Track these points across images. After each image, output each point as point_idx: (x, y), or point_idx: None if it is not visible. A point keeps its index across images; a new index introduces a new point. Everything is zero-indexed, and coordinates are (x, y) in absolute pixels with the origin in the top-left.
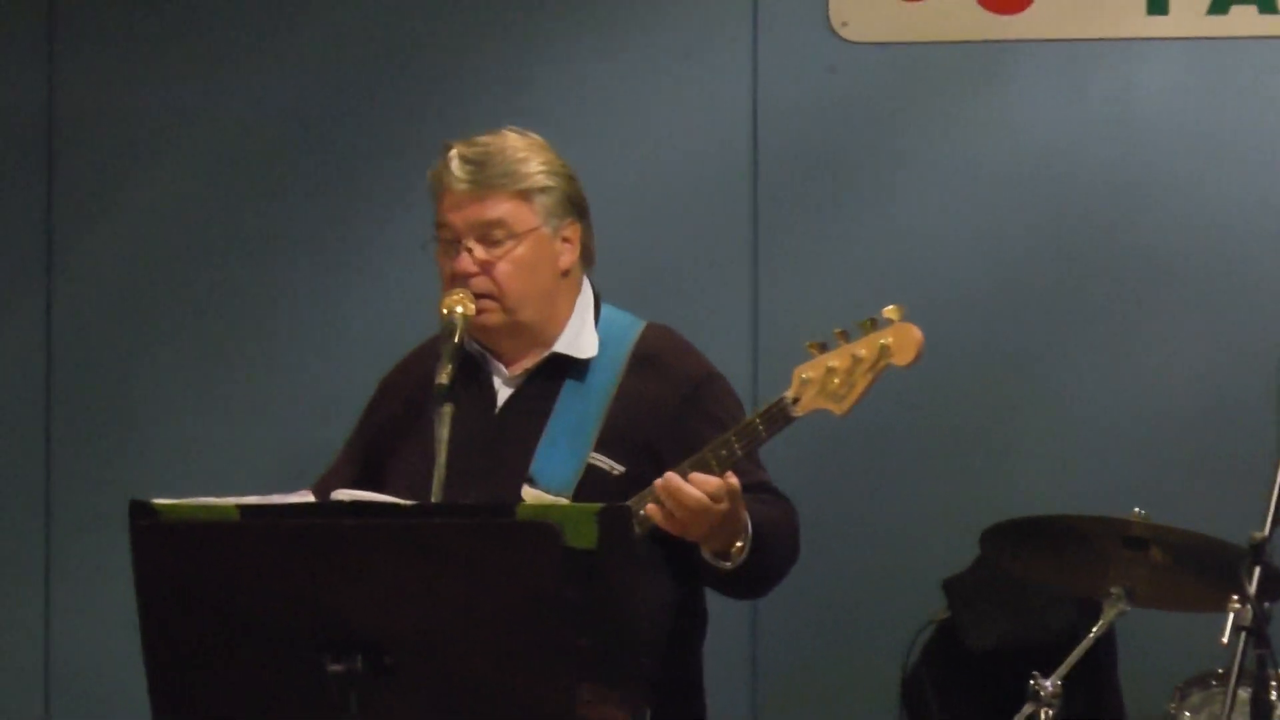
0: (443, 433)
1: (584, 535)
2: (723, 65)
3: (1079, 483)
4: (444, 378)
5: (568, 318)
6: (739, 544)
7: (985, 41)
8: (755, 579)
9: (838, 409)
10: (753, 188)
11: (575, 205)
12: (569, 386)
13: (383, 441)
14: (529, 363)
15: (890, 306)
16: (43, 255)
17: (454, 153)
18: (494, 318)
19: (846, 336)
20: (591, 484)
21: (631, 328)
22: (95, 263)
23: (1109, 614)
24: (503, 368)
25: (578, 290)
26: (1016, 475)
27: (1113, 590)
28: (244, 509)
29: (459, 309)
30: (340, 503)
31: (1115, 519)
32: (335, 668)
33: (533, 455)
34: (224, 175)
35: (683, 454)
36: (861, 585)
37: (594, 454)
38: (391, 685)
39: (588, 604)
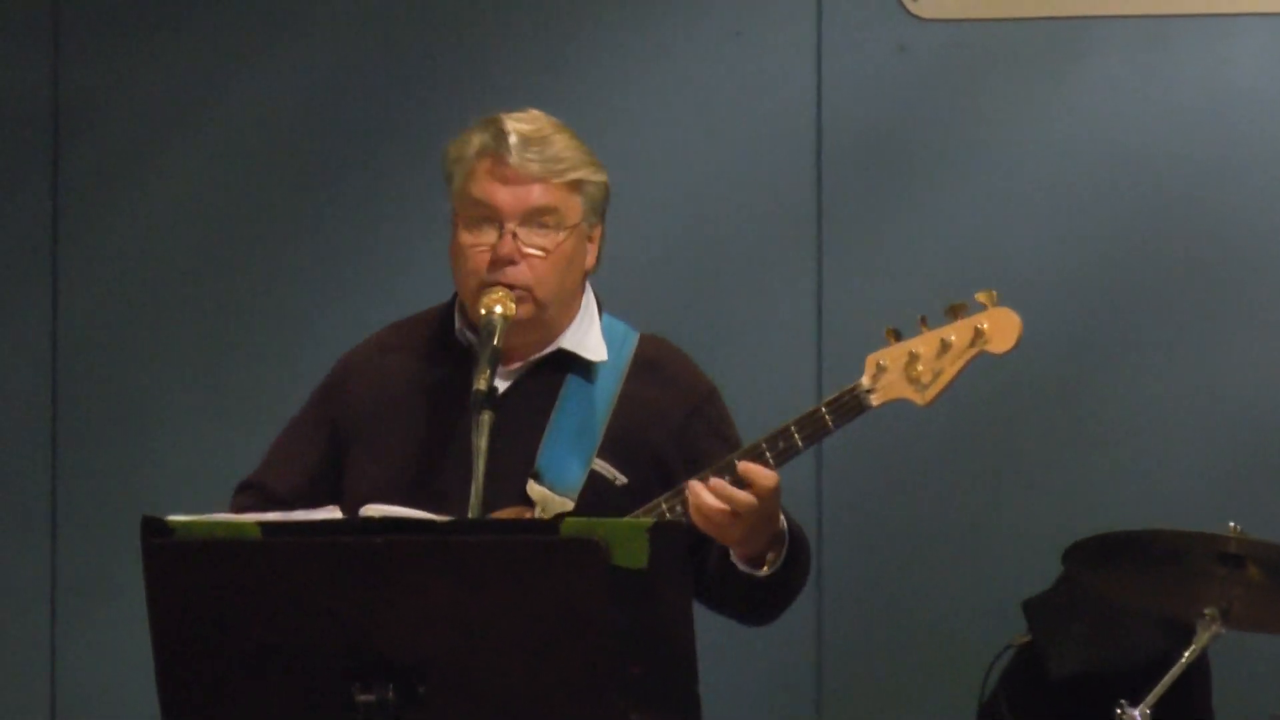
0: (481, 443)
1: (634, 554)
2: (784, 45)
3: (1169, 495)
4: (482, 383)
5: (574, 318)
6: (773, 552)
7: (1066, 18)
8: (784, 592)
9: (920, 399)
10: (816, 176)
11: (605, 206)
12: (573, 385)
13: (348, 431)
14: (529, 356)
15: (982, 291)
16: (48, 253)
17: (510, 127)
18: (525, 309)
19: (927, 323)
20: (594, 491)
21: (629, 335)
22: (103, 261)
23: (1202, 637)
24: None
25: (584, 293)
26: (1101, 487)
27: (1206, 611)
28: (265, 526)
29: (498, 309)
30: (370, 519)
31: (1209, 534)
32: (365, 697)
33: (536, 451)
34: (238, 168)
35: (687, 467)
36: (936, 606)
37: (597, 459)
38: (425, 716)
39: (638, 628)
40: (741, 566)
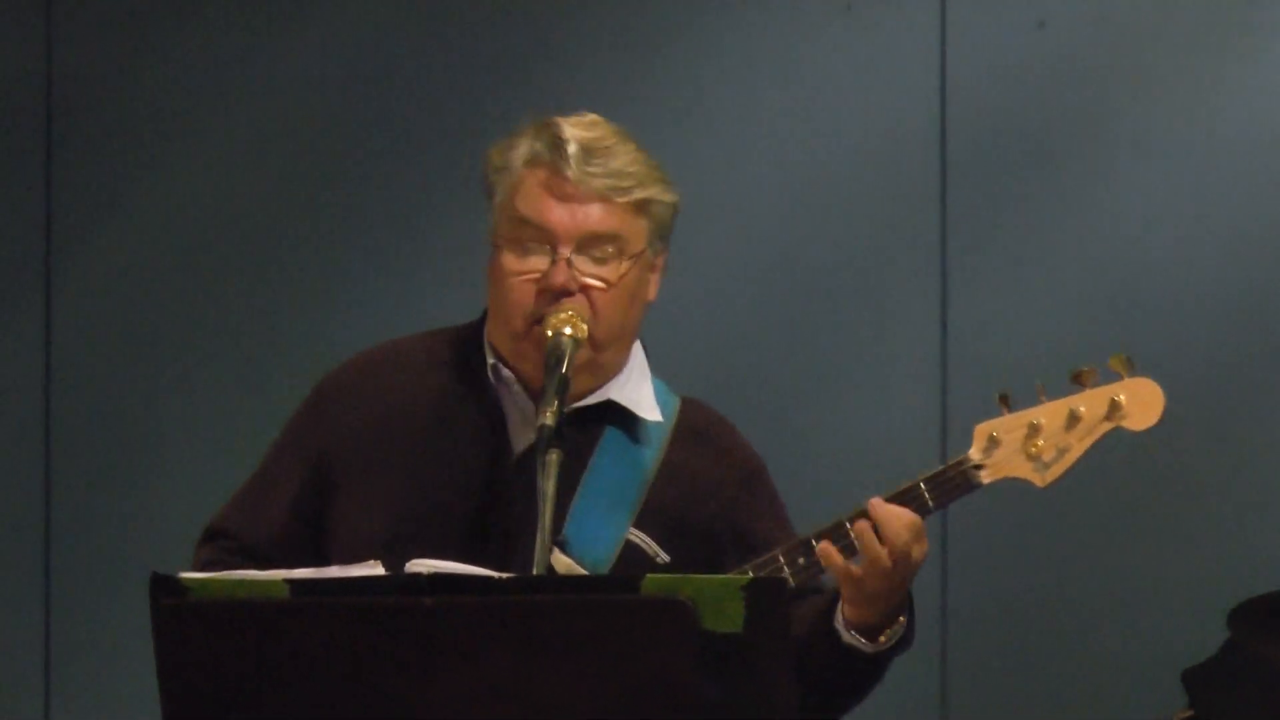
0: (548, 486)
1: (728, 616)
2: (903, 21)
3: None
4: (549, 418)
5: (625, 364)
6: (901, 618)
7: None
8: (873, 679)
9: (1039, 480)
10: (940, 174)
11: (671, 229)
12: (612, 441)
13: (337, 468)
14: (571, 404)
15: (1117, 356)
16: (41, 258)
17: (569, 133)
18: (581, 354)
19: (1047, 393)
20: (628, 566)
21: (670, 398)
22: (101, 272)
23: None
24: (528, 401)
25: (635, 338)
26: (1272, 540)
27: None
28: (295, 584)
29: (567, 330)
30: (418, 576)
31: None
32: None
33: (565, 515)
34: (251, 164)
35: (736, 545)
36: (1081, 680)
37: (634, 530)
38: None
39: (733, 702)
40: (846, 636)
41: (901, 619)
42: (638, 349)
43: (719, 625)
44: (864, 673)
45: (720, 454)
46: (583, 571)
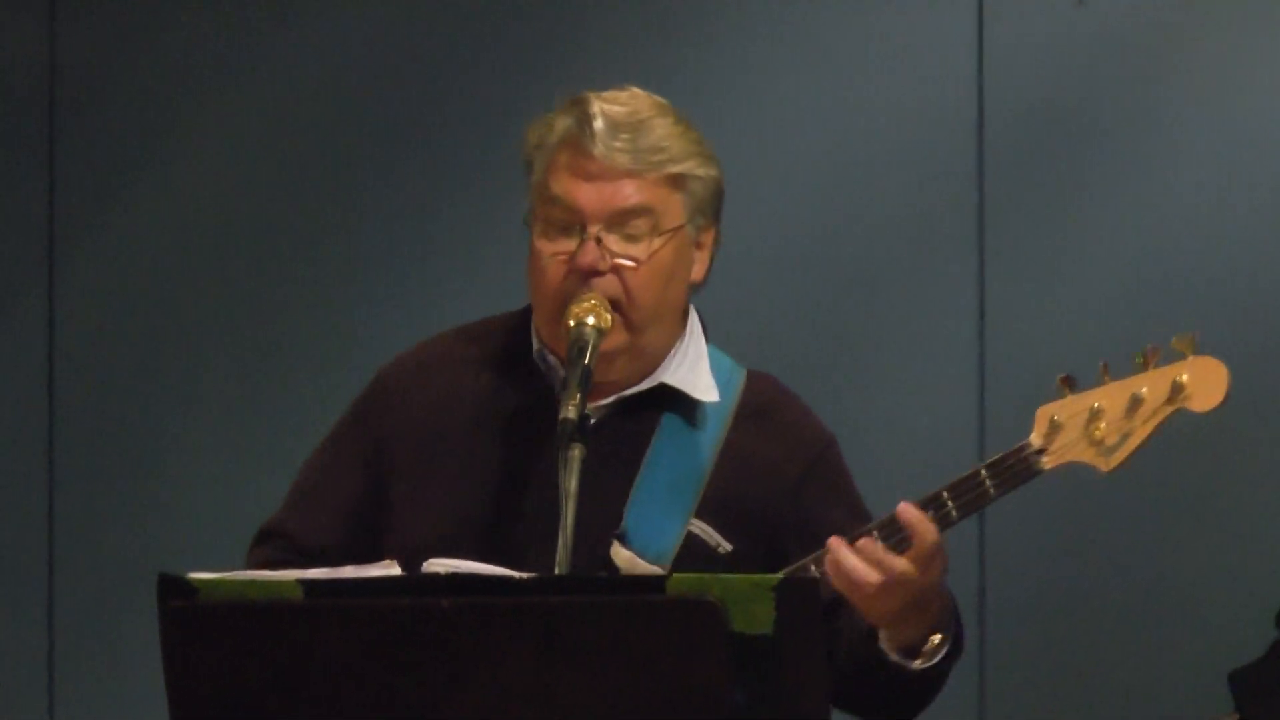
0: (571, 484)
1: (757, 617)
2: (939, 1)
3: None
4: (571, 411)
5: (674, 343)
6: (938, 636)
7: None
8: (931, 691)
9: (1103, 465)
10: (977, 156)
11: (719, 203)
12: (670, 428)
13: (391, 464)
14: (620, 390)
15: (1181, 335)
16: (44, 253)
17: (597, 108)
18: (616, 338)
19: (1111, 372)
20: (691, 557)
21: (735, 373)
22: (105, 266)
23: None
24: None
25: (688, 312)
26: None
27: None
28: (308, 585)
29: (590, 319)
30: (436, 577)
31: None
32: None
33: (623, 508)
34: (263, 154)
35: (800, 533)
36: (1123, 683)
37: (695, 520)
38: None
39: (762, 707)
40: (892, 655)
41: (937, 636)
42: (695, 326)
43: (748, 626)
44: (923, 683)
45: (784, 433)
46: (645, 565)
